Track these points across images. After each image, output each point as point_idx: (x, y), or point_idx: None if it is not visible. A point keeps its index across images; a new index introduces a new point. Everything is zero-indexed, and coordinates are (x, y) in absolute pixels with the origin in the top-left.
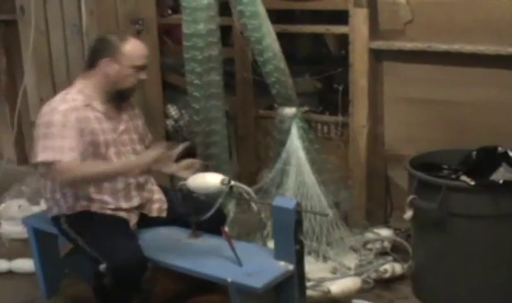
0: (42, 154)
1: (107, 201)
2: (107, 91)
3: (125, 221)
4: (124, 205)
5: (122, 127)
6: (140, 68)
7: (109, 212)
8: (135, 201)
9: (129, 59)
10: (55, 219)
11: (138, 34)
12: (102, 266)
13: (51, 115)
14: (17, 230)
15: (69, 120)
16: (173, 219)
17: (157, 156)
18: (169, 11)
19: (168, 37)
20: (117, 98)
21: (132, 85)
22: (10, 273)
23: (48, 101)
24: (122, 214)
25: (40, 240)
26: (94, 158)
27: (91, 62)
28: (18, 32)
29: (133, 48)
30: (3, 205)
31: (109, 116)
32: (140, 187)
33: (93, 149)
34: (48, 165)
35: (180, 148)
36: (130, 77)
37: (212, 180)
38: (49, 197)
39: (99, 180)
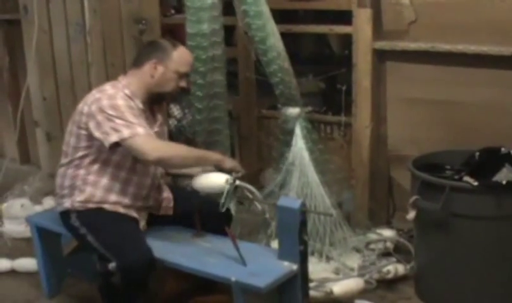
0: (114, 134)
1: (127, 195)
2: (148, 92)
3: (136, 221)
4: (139, 203)
5: (156, 129)
6: (183, 75)
7: (121, 210)
8: (151, 201)
9: (176, 64)
10: (65, 214)
11: (141, 34)
12: (112, 265)
13: (113, 99)
14: (19, 229)
15: (131, 102)
16: (179, 217)
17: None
18: (172, 11)
19: (171, 37)
20: (156, 101)
21: (172, 90)
22: (13, 272)
23: (97, 90)
24: (133, 213)
25: (43, 239)
26: (123, 155)
27: (140, 62)
28: (21, 31)
29: (182, 55)
30: (6, 204)
31: (147, 116)
32: (158, 187)
33: None
34: (127, 142)
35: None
36: (172, 82)
37: (217, 179)
38: (67, 186)
39: (186, 164)
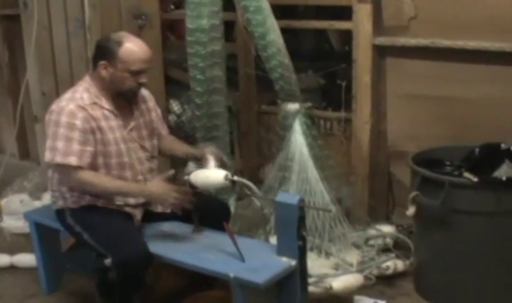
0: (51, 154)
1: (115, 197)
2: (108, 91)
3: (130, 217)
4: (131, 201)
5: (132, 123)
6: (138, 72)
7: (114, 207)
8: (141, 198)
9: (124, 64)
10: (60, 213)
11: (140, 29)
12: (108, 261)
13: (60, 115)
14: (19, 224)
15: (76, 121)
16: (178, 214)
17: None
18: (172, 6)
19: (171, 32)
20: (122, 98)
21: (131, 88)
22: (12, 268)
23: (58, 99)
24: (127, 209)
25: (42, 235)
26: (104, 157)
27: (93, 62)
28: (21, 27)
29: (130, 52)
30: (5, 200)
31: (118, 113)
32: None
33: (103, 147)
34: (55, 165)
35: (168, 173)
36: (127, 80)
37: (215, 175)
38: (55, 190)
39: (103, 192)
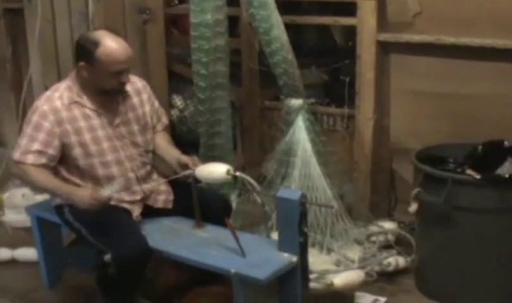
0: (15, 149)
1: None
2: (90, 90)
3: (128, 212)
4: (127, 197)
5: (118, 120)
6: (118, 73)
7: (111, 203)
8: (138, 195)
9: (103, 64)
10: (58, 209)
11: (144, 23)
12: (107, 256)
13: (32, 113)
14: (20, 218)
15: (45, 123)
16: (179, 211)
17: (90, 203)
18: (176, 1)
19: (174, 27)
20: (106, 95)
21: (112, 87)
22: (13, 262)
23: (41, 96)
24: (125, 205)
25: (43, 229)
26: (85, 158)
27: (75, 62)
28: (24, 20)
29: (107, 54)
30: (7, 194)
31: (101, 111)
32: (142, 180)
33: (82, 149)
34: (13, 161)
35: (114, 187)
36: (108, 80)
37: (218, 170)
38: None
39: (48, 193)
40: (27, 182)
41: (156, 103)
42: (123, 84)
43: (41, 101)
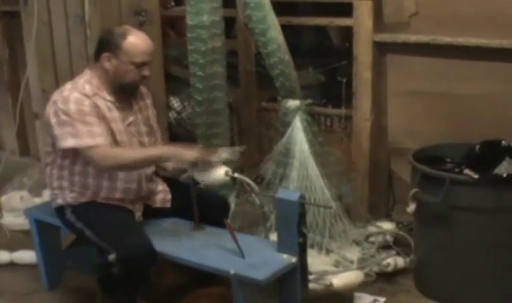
0: (73, 139)
1: (116, 191)
2: (110, 84)
3: (131, 212)
4: (132, 195)
5: (131, 118)
6: (141, 65)
7: (114, 203)
8: (143, 192)
9: (128, 55)
10: (60, 210)
11: (140, 25)
12: (112, 256)
13: (66, 103)
14: (19, 221)
15: (85, 107)
16: (177, 209)
17: (197, 156)
18: (172, 3)
19: (171, 29)
20: (123, 91)
21: (133, 81)
22: (12, 264)
23: (58, 90)
24: (127, 205)
25: (42, 232)
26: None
27: (96, 55)
28: (21, 23)
29: (134, 44)
30: (5, 196)
31: (118, 106)
32: (149, 178)
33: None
34: (81, 150)
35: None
36: (130, 73)
37: (216, 171)
38: (55, 187)
39: (137, 166)
40: (111, 164)
41: (155, 112)
42: (143, 77)
43: (66, 92)
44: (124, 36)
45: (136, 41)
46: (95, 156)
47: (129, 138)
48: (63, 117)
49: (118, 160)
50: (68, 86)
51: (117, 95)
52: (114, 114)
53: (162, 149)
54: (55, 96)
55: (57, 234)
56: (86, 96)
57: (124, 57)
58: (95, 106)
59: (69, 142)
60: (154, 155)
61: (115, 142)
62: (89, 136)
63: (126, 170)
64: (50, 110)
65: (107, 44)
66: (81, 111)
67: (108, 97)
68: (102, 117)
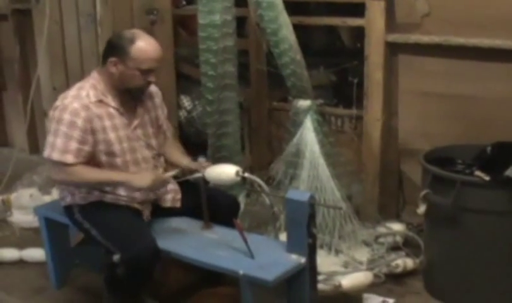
0: (49, 150)
1: (122, 194)
2: (115, 89)
3: (139, 213)
4: (139, 197)
5: (136, 121)
6: (148, 71)
7: (123, 203)
8: (151, 194)
9: (135, 62)
10: (68, 209)
11: (152, 24)
12: (116, 257)
13: (63, 112)
14: (28, 219)
15: (78, 120)
16: (187, 209)
17: (152, 182)
18: (184, 2)
19: (182, 28)
20: (129, 96)
21: (139, 86)
22: (21, 262)
23: (63, 94)
24: (136, 205)
25: (51, 230)
26: (108, 156)
27: (103, 60)
28: (32, 21)
29: (140, 51)
30: (15, 194)
31: (122, 111)
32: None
33: (106, 147)
34: (51, 161)
35: (173, 172)
36: (136, 78)
37: (227, 171)
38: (63, 187)
39: (96, 187)
40: (73, 182)
41: (165, 110)
42: (149, 83)
43: (68, 99)
44: (132, 41)
45: (144, 47)
46: (58, 172)
47: (133, 143)
48: (55, 125)
49: (75, 180)
50: (72, 92)
51: (122, 99)
52: (116, 121)
53: (117, 177)
54: (59, 100)
55: (66, 232)
56: (87, 107)
57: (131, 63)
58: (94, 118)
59: (45, 152)
60: (108, 180)
61: (111, 152)
62: (60, 151)
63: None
64: (50, 114)
65: (115, 48)
66: (72, 123)
67: (112, 103)
68: (98, 129)
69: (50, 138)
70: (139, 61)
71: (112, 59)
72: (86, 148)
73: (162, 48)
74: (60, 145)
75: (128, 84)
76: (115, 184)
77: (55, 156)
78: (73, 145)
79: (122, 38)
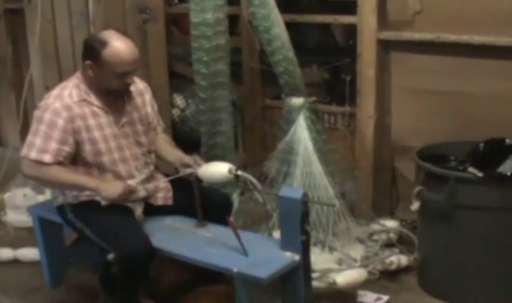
0: (27, 149)
1: None
2: (96, 89)
3: (130, 211)
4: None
5: (124, 119)
6: (123, 74)
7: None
8: (141, 194)
9: (109, 65)
10: (61, 209)
11: (144, 23)
12: (110, 256)
13: (44, 111)
14: (22, 218)
15: (59, 120)
16: (180, 207)
17: (120, 193)
18: (176, 0)
19: (175, 26)
20: (111, 95)
21: (117, 88)
22: (15, 262)
23: (47, 94)
24: (127, 204)
25: (45, 229)
26: (94, 155)
27: (82, 61)
28: (25, 21)
29: (114, 54)
30: (8, 194)
31: (108, 110)
32: (145, 181)
33: (91, 146)
34: (29, 160)
35: (141, 177)
36: (113, 81)
37: (220, 169)
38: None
39: (67, 189)
40: (45, 180)
41: (156, 106)
42: (127, 85)
43: (50, 99)
44: (104, 44)
45: (117, 50)
46: (33, 170)
47: (121, 141)
48: (35, 124)
49: (49, 180)
50: (55, 91)
51: (107, 98)
52: (101, 120)
53: (89, 183)
54: (43, 100)
55: (61, 232)
56: (69, 107)
57: (105, 67)
58: (76, 118)
59: (23, 151)
60: (80, 184)
61: (97, 151)
62: (38, 150)
63: (49, 187)
64: (34, 113)
65: (89, 51)
66: (53, 122)
67: (96, 102)
68: (82, 129)
69: (29, 137)
70: (112, 65)
71: (88, 62)
72: (66, 148)
73: (137, 52)
74: (39, 144)
75: (106, 85)
76: (87, 189)
77: (33, 155)
78: (52, 145)
79: (95, 41)
